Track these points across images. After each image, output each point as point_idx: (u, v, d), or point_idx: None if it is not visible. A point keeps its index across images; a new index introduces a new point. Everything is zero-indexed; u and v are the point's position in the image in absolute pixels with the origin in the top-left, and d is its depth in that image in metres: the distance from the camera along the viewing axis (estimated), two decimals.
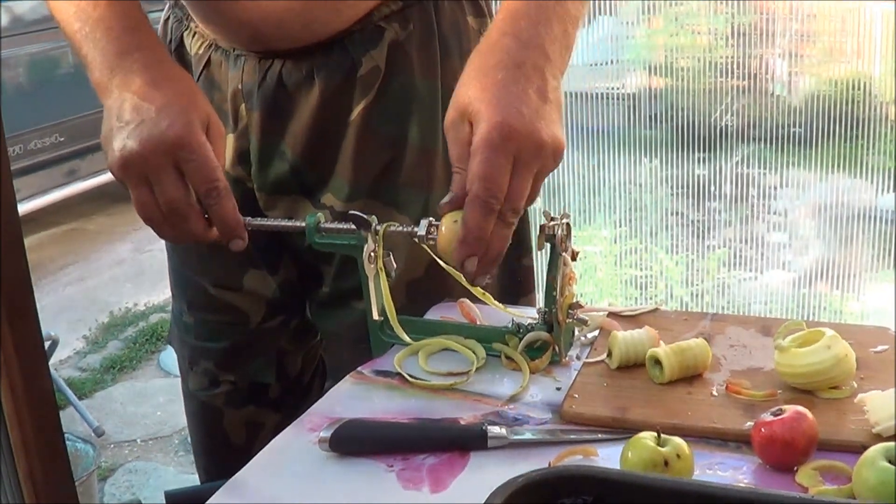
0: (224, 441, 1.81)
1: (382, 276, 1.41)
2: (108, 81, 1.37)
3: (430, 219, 1.35)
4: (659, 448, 1.06)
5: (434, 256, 1.38)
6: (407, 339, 1.43)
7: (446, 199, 1.29)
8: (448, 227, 1.31)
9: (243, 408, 1.80)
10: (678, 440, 1.08)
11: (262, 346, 1.77)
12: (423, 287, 1.54)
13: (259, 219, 1.50)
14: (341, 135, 1.56)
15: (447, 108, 1.35)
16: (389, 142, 1.57)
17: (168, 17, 1.68)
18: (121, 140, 1.33)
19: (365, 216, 1.38)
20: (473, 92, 1.28)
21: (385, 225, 1.39)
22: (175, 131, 1.31)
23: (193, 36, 1.61)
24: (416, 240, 1.36)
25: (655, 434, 1.08)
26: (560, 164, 1.31)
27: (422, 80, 1.56)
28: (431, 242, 1.34)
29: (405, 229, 1.38)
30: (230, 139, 1.60)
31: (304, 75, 1.54)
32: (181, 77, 1.40)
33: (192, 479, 3.69)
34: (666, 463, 1.05)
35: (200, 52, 1.60)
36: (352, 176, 1.57)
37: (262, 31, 1.49)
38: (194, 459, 1.96)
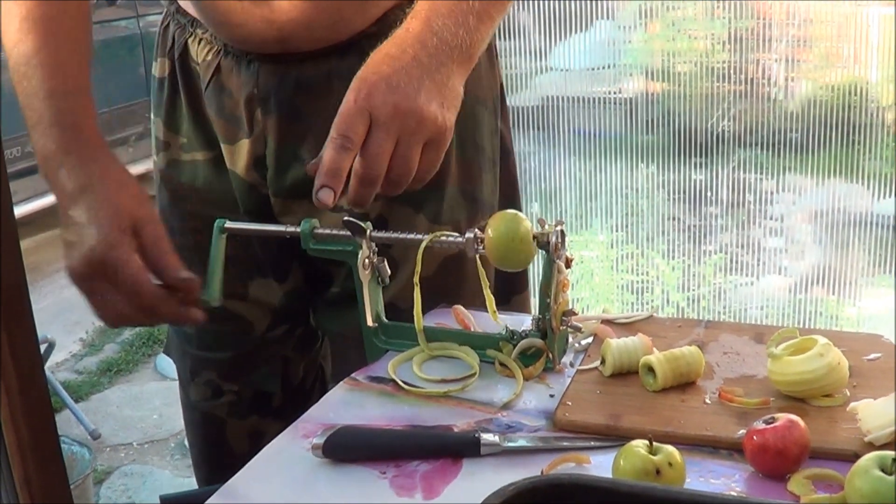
0: (226, 451, 1.80)
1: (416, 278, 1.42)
2: (47, 168, 1.41)
3: (476, 230, 1.37)
4: (651, 456, 1.06)
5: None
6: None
7: (315, 159, 1.35)
8: (496, 230, 1.34)
9: (247, 418, 1.79)
10: (670, 448, 1.08)
11: (266, 356, 1.77)
12: (432, 285, 1.53)
13: (255, 224, 1.50)
14: None
15: (467, 106, 1.43)
16: None
17: (167, 24, 1.66)
18: (68, 257, 1.36)
19: (360, 223, 1.38)
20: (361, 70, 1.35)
21: (432, 235, 1.39)
22: (97, 253, 1.33)
23: (200, 42, 1.60)
24: (466, 249, 1.37)
25: (647, 442, 1.08)
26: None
27: None
28: (481, 251, 1.36)
29: (453, 239, 1.39)
30: (245, 144, 1.60)
31: (322, 79, 1.54)
32: (108, 178, 1.40)
33: (187, 482, 3.69)
34: (658, 471, 1.05)
35: (209, 58, 1.59)
36: None
37: (290, 31, 1.49)
38: (194, 470, 1.93)
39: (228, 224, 1.49)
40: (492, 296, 1.44)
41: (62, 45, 1.45)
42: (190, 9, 1.60)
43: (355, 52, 1.52)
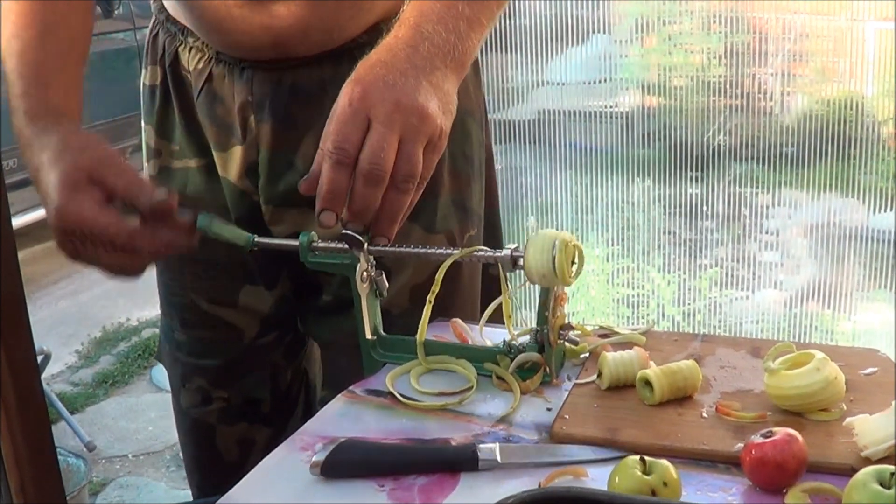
0: (217, 457, 1.81)
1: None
2: (25, 142, 1.43)
3: (514, 246, 1.35)
4: (645, 477, 1.06)
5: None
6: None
7: (307, 175, 1.31)
8: (534, 251, 1.32)
9: (236, 424, 1.80)
10: (665, 465, 1.08)
11: (256, 362, 1.77)
12: (425, 292, 1.53)
13: (281, 240, 1.49)
14: None
15: (457, 117, 1.42)
16: None
17: (157, 33, 1.66)
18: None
19: (358, 236, 1.38)
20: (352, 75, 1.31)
21: (466, 251, 1.39)
22: (60, 222, 1.35)
23: (190, 51, 1.60)
24: (501, 265, 1.36)
25: (641, 461, 1.08)
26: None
27: None
28: (520, 268, 1.34)
29: (488, 254, 1.38)
30: (238, 151, 1.60)
31: (315, 86, 1.54)
32: (54, 142, 1.40)
33: (182, 494, 3.69)
34: (653, 492, 1.05)
35: (200, 66, 1.59)
36: None
37: (287, 36, 1.49)
38: (187, 476, 1.95)
39: (258, 239, 1.47)
40: (509, 300, 1.44)
41: (50, 41, 1.48)
42: (181, 17, 1.61)
43: (348, 59, 1.52)
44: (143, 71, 1.70)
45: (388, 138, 1.26)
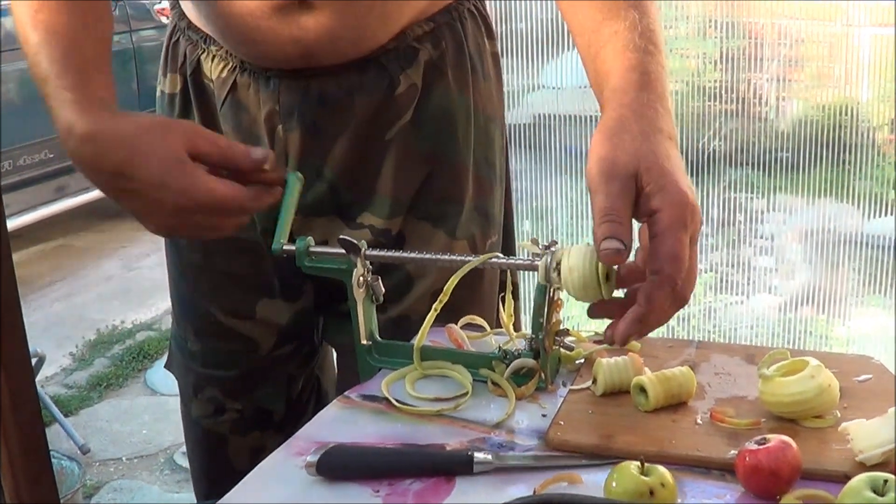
0: (228, 468, 1.80)
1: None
2: (68, 146, 1.36)
3: (549, 255, 1.31)
4: (643, 478, 1.06)
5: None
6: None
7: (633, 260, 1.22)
8: (574, 260, 1.28)
9: (249, 434, 1.79)
10: (662, 469, 1.08)
11: (271, 374, 1.77)
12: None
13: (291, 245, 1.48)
14: (381, 153, 1.58)
15: (481, 123, 1.53)
16: (426, 158, 1.59)
17: (177, 40, 1.64)
18: (148, 224, 1.36)
19: (354, 241, 1.38)
20: (640, 150, 1.21)
21: (485, 256, 1.38)
22: (180, 204, 1.30)
23: (213, 59, 1.59)
24: (540, 276, 1.33)
25: (639, 463, 1.09)
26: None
27: (458, 96, 1.59)
28: (556, 278, 1.30)
29: (517, 261, 1.38)
30: None
31: (343, 95, 1.54)
32: (136, 133, 1.32)
33: (176, 498, 3.69)
34: (651, 493, 1.05)
35: (224, 75, 1.58)
36: (393, 193, 1.59)
37: (315, 48, 1.49)
38: (193, 484, 1.92)
39: (286, 246, 1.45)
40: (513, 301, 1.46)
41: (77, 25, 1.40)
42: (203, 25, 1.59)
43: (374, 67, 1.54)
44: (162, 78, 1.68)
45: (694, 259, 1.22)
